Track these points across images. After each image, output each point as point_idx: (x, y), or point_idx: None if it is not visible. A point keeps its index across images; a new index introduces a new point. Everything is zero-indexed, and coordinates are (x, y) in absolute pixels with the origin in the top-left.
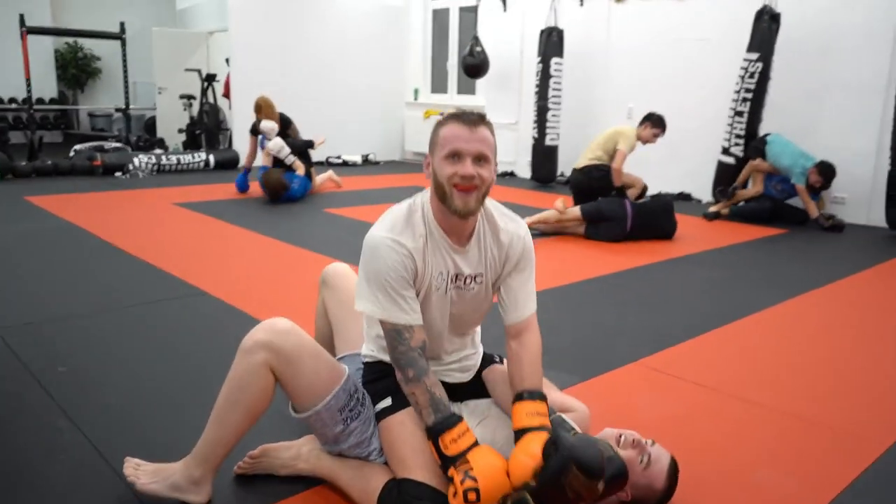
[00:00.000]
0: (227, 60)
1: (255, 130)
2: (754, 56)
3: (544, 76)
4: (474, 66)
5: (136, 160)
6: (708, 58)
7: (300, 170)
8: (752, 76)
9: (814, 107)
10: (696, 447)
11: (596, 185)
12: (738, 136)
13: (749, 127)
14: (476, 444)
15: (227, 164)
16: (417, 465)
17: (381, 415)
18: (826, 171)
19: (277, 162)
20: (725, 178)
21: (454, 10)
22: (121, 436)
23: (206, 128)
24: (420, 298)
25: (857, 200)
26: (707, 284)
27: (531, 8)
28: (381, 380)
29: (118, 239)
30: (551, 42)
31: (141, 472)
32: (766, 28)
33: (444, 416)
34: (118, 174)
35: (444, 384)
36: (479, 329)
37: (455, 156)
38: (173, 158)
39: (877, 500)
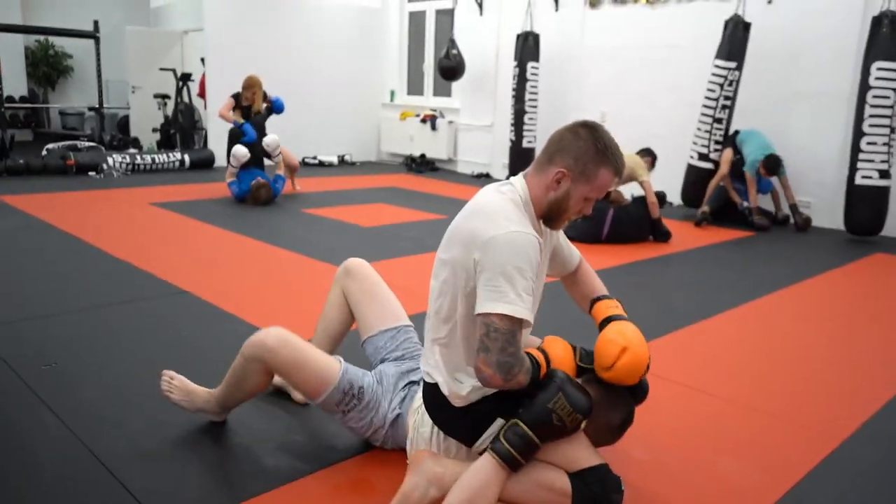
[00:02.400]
0: (202, 60)
1: (236, 96)
2: (732, 65)
3: (521, 80)
4: (450, 69)
5: (110, 159)
6: (678, 64)
7: (280, 169)
8: (730, 84)
9: (781, 113)
10: (663, 438)
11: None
12: (716, 143)
13: (726, 133)
14: (547, 362)
15: (203, 163)
16: (589, 455)
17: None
18: (768, 164)
19: (261, 153)
20: (698, 182)
21: (430, 12)
22: (106, 431)
23: (181, 127)
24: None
25: (822, 204)
26: (677, 284)
27: (507, 11)
28: (483, 413)
29: (95, 238)
30: (528, 46)
31: (174, 386)
32: (739, 37)
33: (534, 369)
34: (92, 174)
35: None
36: None
37: (593, 200)
38: (148, 158)
39: (832, 487)
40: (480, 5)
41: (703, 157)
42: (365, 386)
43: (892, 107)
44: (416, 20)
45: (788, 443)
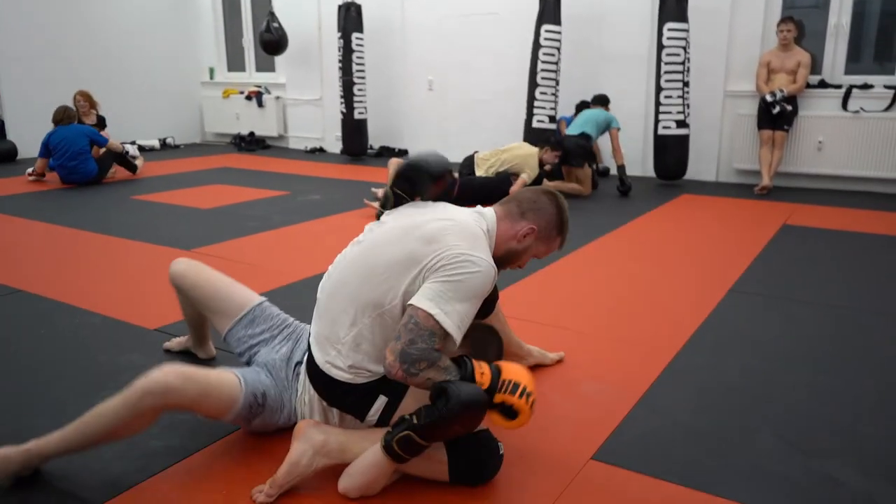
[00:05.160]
0: None
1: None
2: (559, 29)
3: (347, 51)
4: (273, 43)
5: None
6: (497, 32)
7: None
8: (560, 48)
9: (592, 75)
10: (533, 373)
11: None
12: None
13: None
14: (495, 367)
15: (3, 156)
16: None
17: (387, 415)
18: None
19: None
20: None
21: None
22: None
23: None
24: None
25: (634, 155)
26: None
27: None
28: (369, 392)
29: None
30: (350, 17)
31: None
32: (552, 3)
33: (462, 371)
34: None
35: None
36: None
37: (535, 257)
38: None
39: (674, 390)
40: None
41: (552, 119)
42: (266, 390)
43: (682, 63)
44: None
45: (634, 361)
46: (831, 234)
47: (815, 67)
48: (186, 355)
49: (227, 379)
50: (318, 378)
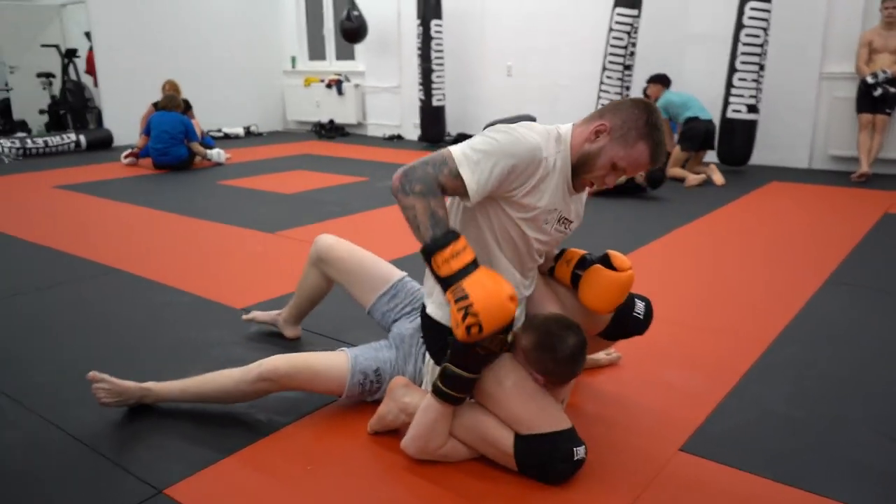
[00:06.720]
0: (87, 35)
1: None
2: (635, 12)
3: (426, 38)
4: (353, 31)
5: None
6: (579, 14)
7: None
8: (635, 31)
9: (675, 56)
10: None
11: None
12: (627, 89)
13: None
14: (473, 264)
15: (100, 144)
16: (542, 422)
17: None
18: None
19: None
20: None
21: None
22: (62, 408)
23: (72, 107)
24: (529, 220)
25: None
26: (599, 226)
27: None
28: (442, 333)
29: (3, 225)
30: (429, 4)
31: (101, 388)
32: None
33: (442, 233)
34: None
35: None
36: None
37: (620, 171)
38: (40, 141)
39: (767, 381)
40: None
41: None
42: (381, 366)
43: (761, 45)
44: None
45: (724, 351)
46: None
47: None
48: (270, 334)
49: (337, 363)
50: (422, 318)
